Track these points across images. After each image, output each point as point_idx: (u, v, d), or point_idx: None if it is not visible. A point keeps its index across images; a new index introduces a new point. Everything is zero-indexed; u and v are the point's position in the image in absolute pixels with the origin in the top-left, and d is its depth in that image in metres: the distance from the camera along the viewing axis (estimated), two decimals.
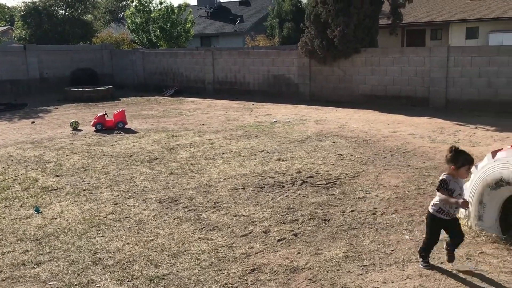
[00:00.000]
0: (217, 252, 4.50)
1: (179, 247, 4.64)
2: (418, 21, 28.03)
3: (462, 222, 4.92)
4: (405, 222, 5.16)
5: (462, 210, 5.01)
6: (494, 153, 4.57)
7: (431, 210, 4.03)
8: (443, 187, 3.89)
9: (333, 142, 9.36)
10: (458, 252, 4.32)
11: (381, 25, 16.21)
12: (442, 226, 4.03)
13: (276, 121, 12.14)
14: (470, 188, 4.80)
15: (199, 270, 4.14)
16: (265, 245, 4.63)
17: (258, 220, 5.28)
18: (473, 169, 4.85)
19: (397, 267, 4.10)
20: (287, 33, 31.58)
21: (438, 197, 3.96)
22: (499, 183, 4.46)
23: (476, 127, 10.81)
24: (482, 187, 4.64)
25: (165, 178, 7.09)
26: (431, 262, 4.13)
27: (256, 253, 4.46)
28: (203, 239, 4.82)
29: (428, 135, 10.05)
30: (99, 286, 3.92)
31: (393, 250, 4.44)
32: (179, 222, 5.30)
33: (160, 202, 6.01)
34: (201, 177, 7.08)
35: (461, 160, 3.86)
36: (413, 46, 24.57)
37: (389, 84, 14.80)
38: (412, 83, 14.35)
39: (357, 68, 15.37)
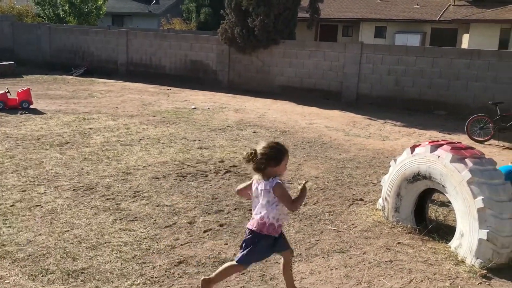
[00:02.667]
0: (140, 244, 4.29)
1: (98, 238, 4.35)
2: (332, 17, 29.06)
3: (379, 213, 5.18)
4: (326, 212, 5.30)
5: (379, 201, 5.27)
6: (412, 148, 4.81)
7: None
8: None
9: (254, 132, 9.38)
10: (378, 242, 4.53)
11: (298, 18, 16.51)
12: None
13: (195, 108, 11.91)
14: (389, 180, 5.03)
15: (121, 263, 3.91)
16: (190, 236, 4.49)
17: (182, 210, 5.12)
18: (391, 162, 5.10)
19: (323, 257, 4.18)
20: (204, 18, 31.19)
21: None
22: (416, 177, 4.71)
23: (385, 122, 11.45)
24: (400, 180, 4.88)
25: (78, 164, 6.64)
26: (352, 252, 4.28)
27: (182, 244, 4.31)
28: (124, 230, 4.56)
29: (342, 128, 10.45)
30: (9, 283, 3.55)
31: (318, 240, 4.53)
32: (96, 212, 4.97)
33: (74, 190, 5.60)
34: (118, 164, 6.72)
35: None
36: (326, 41, 25.48)
37: (305, 76, 15.16)
38: (326, 77, 14.82)
39: (275, 59, 15.55)
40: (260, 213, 3.23)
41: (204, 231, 4.61)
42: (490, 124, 9.56)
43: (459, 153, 4.35)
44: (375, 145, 8.85)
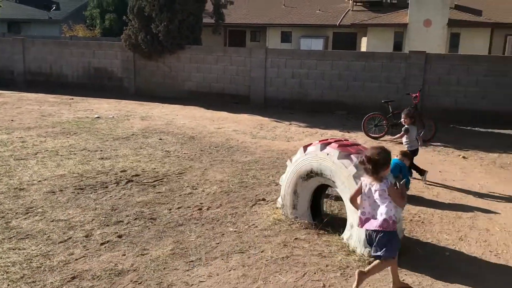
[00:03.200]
0: (30, 262, 4.06)
1: None
2: (239, 22, 29.49)
3: (279, 212, 5.35)
4: (229, 215, 5.37)
5: (279, 199, 5.44)
6: (305, 148, 5.04)
7: None
8: None
9: (160, 139, 9.27)
10: (276, 240, 4.68)
11: (204, 24, 16.59)
12: None
13: (98, 117, 11.50)
14: (286, 179, 5.22)
15: (8, 285, 3.69)
16: (86, 250, 4.34)
17: (78, 224, 4.92)
18: (288, 162, 5.30)
19: (222, 259, 4.24)
20: (109, 24, 30.24)
21: None
22: (310, 174, 4.94)
23: (290, 124, 11.84)
24: (296, 178, 5.08)
25: None
26: (251, 251, 4.39)
27: (76, 259, 4.15)
28: (13, 249, 4.30)
29: (249, 131, 10.65)
30: None
31: (218, 243, 4.58)
32: None
33: None
34: (10, 180, 6.31)
35: None
36: (235, 46, 25.79)
37: (214, 81, 15.26)
38: (234, 82, 15.03)
39: (182, 65, 15.49)
40: (382, 214, 3.66)
41: (101, 244, 4.47)
42: (384, 121, 10.25)
43: (346, 150, 4.63)
44: (280, 146, 9.12)
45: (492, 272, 4.23)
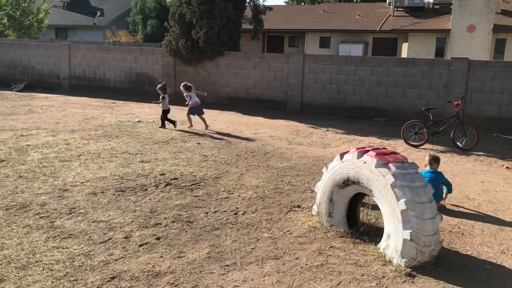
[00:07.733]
0: (73, 261, 4.22)
1: (29, 258, 4.25)
2: (278, 28, 29.59)
3: (315, 219, 5.34)
4: (264, 220, 5.41)
5: (314, 207, 5.44)
6: (342, 155, 5.01)
7: None
8: None
9: (198, 143, 9.42)
10: (311, 247, 4.67)
11: (243, 30, 16.75)
12: None
13: (139, 121, 11.80)
14: (322, 187, 5.21)
15: (52, 282, 3.85)
16: (126, 251, 4.47)
17: (118, 225, 5.08)
18: (324, 169, 5.29)
19: (257, 264, 4.28)
20: (151, 30, 30.98)
21: None
22: (346, 182, 4.92)
23: (327, 130, 11.78)
24: (332, 186, 5.06)
25: (12, 182, 6.43)
26: (286, 258, 4.40)
27: (116, 260, 4.29)
28: (57, 248, 4.48)
29: (285, 137, 10.66)
30: None
31: (253, 248, 4.62)
32: (29, 231, 4.85)
33: (6, 209, 5.43)
34: (55, 180, 6.57)
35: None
36: (273, 51, 25.89)
37: (251, 87, 15.37)
38: (271, 87, 15.08)
39: (221, 70, 15.68)
40: (197, 100, 11.24)
41: (140, 245, 4.60)
42: (424, 129, 10.04)
43: (383, 158, 4.58)
44: (316, 153, 9.09)
45: None
